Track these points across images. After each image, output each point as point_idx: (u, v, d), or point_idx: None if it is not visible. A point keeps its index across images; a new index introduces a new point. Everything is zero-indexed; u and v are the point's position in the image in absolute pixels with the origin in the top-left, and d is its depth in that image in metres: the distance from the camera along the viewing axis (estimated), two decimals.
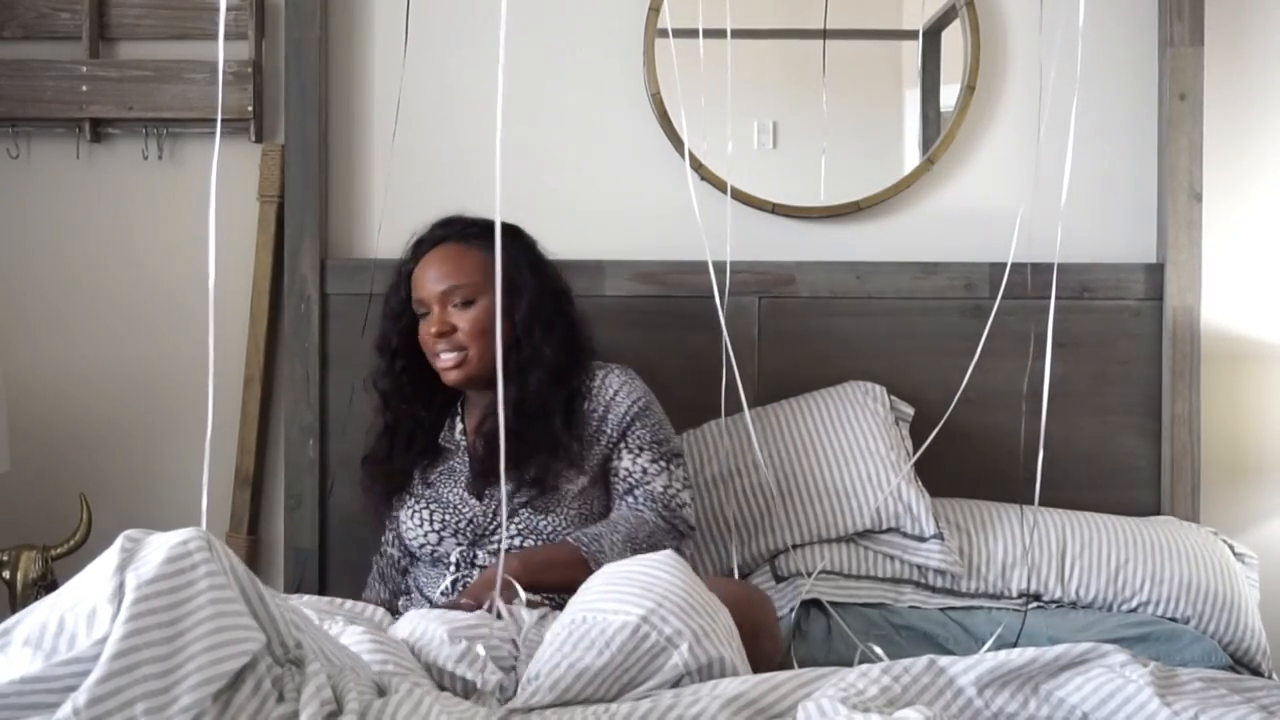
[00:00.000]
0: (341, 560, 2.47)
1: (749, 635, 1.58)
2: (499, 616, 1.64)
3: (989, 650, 1.59)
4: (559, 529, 1.97)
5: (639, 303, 2.48)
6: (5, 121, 2.56)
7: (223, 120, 2.40)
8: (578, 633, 1.45)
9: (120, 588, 1.09)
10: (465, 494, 2.03)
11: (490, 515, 2.00)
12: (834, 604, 2.13)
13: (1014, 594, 2.19)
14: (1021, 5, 2.55)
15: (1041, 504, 1.96)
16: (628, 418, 2.03)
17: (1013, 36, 2.56)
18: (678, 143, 2.51)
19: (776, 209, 2.54)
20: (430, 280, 2.04)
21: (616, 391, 2.04)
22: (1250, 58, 2.56)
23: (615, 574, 1.55)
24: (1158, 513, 2.45)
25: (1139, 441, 2.48)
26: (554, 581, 1.84)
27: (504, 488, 1.72)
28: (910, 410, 2.38)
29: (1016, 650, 1.45)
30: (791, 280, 2.49)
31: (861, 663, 1.56)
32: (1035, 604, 2.18)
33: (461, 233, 2.07)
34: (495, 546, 1.98)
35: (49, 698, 1.05)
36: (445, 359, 2.03)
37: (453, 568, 2.00)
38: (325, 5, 2.53)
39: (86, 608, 1.09)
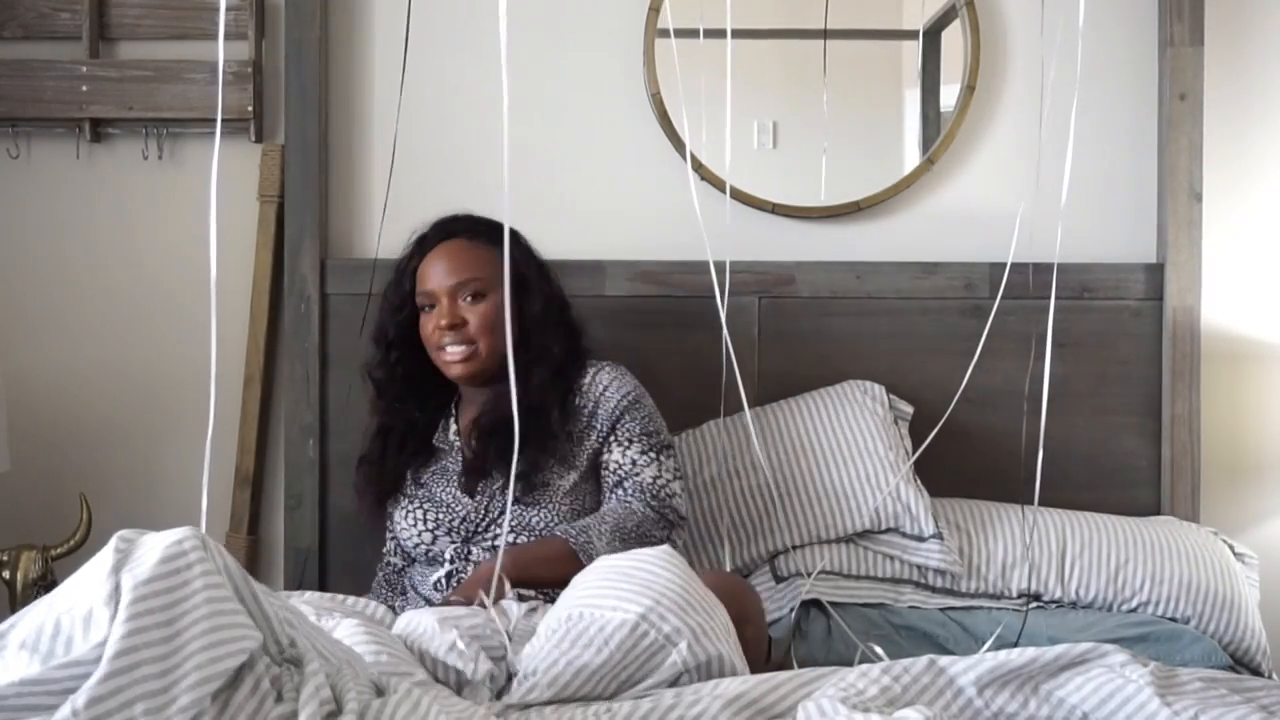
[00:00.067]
0: (341, 560, 2.47)
1: (734, 623, 1.58)
2: (486, 606, 1.64)
3: (989, 650, 1.59)
4: (551, 524, 1.97)
5: (639, 303, 2.48)
6: (5, 121, 2.56)
7: (223, 120, 2.40)
8: (575, 629, 1.45)
9: (116, 589, 1.09)
10: (458, 492, 2.04)
11: (483, 512, 2.01)
12: (834, 604, 2.12)
13: (1014, 594, 2.19)
14: (1021, 5, 2.55)
15: (1041, 504, 1.96)
16: (617, 411, 2.04)
17: (1013, 36, 2.56)
18: (678, 143, 2.51)
19: (776, 209, 2.53)
20: (440, 273, 2.05)
21: (606, 387, 2.05)
22: (1250, 58, 2.56)
23: (612, 569, 1.55)
24: (1158, 513, 2.45)
25: (1139, 441, 2.48)
26: (544, 576, 1.84)
27: (510, 488, 1.73)
28: (909, 409, 2.38)
29: (1016, 650, 1.45)
30: (791, 280, 2.49)
31: (861, 663, 1.56)
32: (1035, 604, 2.18)
33: (470, 229, 2.09)
34: (489, 543, 1.99)
35: (48, 699, 1.05)
36: (452, 352, 2.03)
37: (447, 564, 2.00)
38: (325, 5, 2.53)
39: (83, 610, 1.09)
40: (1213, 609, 2.17)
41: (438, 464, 2.10)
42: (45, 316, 2.60)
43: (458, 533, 2.01)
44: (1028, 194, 2.31)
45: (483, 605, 1.67)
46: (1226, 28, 2.54)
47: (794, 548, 2.23)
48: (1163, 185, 2.50)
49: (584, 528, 1.91)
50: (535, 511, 1.98)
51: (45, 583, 2.32)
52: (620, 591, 1.48)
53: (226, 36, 2.50)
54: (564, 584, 1.63)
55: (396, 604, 2.08)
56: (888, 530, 2.23)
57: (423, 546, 2.04)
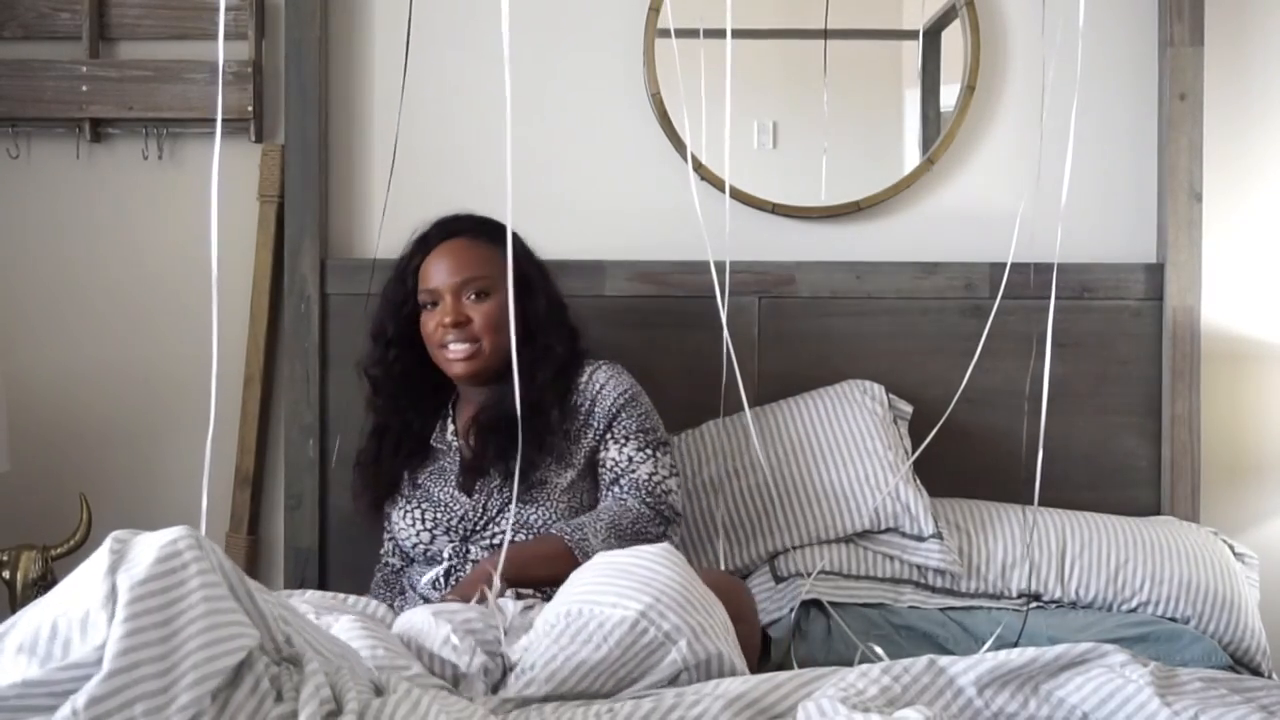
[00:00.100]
0: (341, 560, 2.47)
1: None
2: (482, 600, 1.65)
3: (989, 650, 1.59)
4: (549, 522, 1.97)
5: (639, 303, 2.48)
6: (5, 121, 2.56)
7: (223, 120, 2.40)
8: (575, 625, 1.45)
9: (113, 590, 1.08)
10: (456, 491, 2.04)
11: (481, 510, 2.01)
12: (834, 604, 2.12)
13: (1014, 594, 2.19)
14: (1021, 5, 2.55)
15: (1041, 504, 1.96)
16: (614, 409, 2.04)
17: (1013, 36, 2.56)
18: (678, 143, 2.51)
19: (776, 209, 2.53)
20: (445, 271, 2.05)
21: (603, 385, 2.06)
22: (1250, 58, 2.56)
23: (612, 566, 1.55)
24: (1158, 513, 2.45)
25: (1139, 441, 2.48)
26: (541, 575, 1.84)
27: (515, 484, 1.74)
28: (909, 408, 2.38)
29: (1016, 650, 1.45)
30: (791, 280, 2.49)
31: (861, 663, 1.56)
32: (1035, 604, 2.18)
33: (474, 228, 2.09)
34: (487, 542, 1.99)
35: (49, 700, 1.05)
36: (456, 350, 2.04)
37: (445, 563, 2.00)
38: (325, 5, 2.53)
39: (79, 612, 1.08)
40: (1213, 609, 2.17)
41: (435, 464, 2.10)
42: (45, 317, 2.60)
43: (456, 531, 2.02)
44: (1028, 194, 2.31)
45: (481, 601, 1.67)
46: (1226, 28, 2.54)
47: (794, 548, 2.23)
48: (1163, 185, 2.50)
49: (579, 525, 1.91)
50: (533, 509, 1.98)
51: (45, 583, 2.31)
52: (620, 588, 1.48)
53: (226, 36, 2.50)
54: (560, 583, 1.63)
55: (395, 604, 2.08)
56: (887, 530, 2.23)
57: (421, 546, 2.04)
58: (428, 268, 2.07)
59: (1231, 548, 2.32)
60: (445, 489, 2.05)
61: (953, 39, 2.56)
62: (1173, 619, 2.17)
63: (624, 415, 2.04)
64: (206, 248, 1.30)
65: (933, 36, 2.57)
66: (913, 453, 2.25)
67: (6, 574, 2.33)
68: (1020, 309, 2.31)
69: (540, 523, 1.98)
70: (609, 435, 2.04)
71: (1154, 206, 2.53)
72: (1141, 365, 2.49)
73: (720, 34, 2.21)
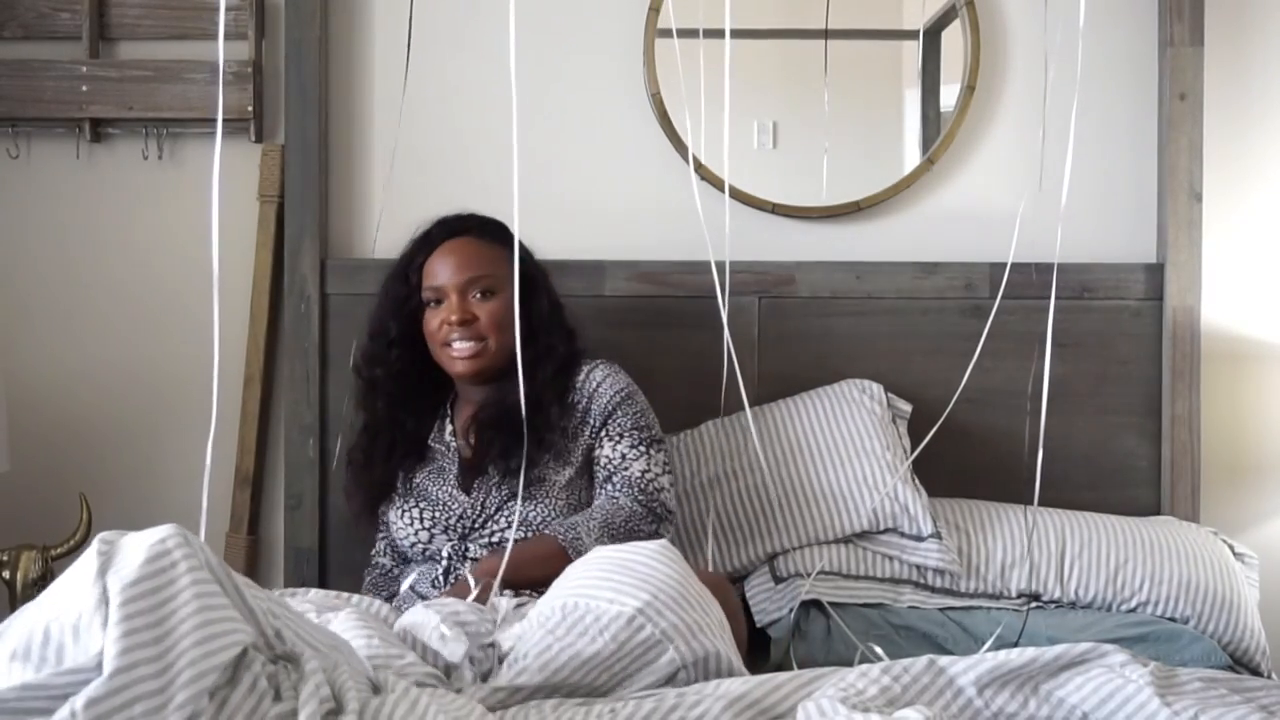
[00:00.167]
0: (341, 560, 2.47)
1: None
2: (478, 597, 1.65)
3: (989, 650, 1.59)
4: (548, 519, 1.98)
5: (639, 303, 2.48)
6: (5, 121, 2.56)
7: (223, 120, 2.40)
8: (571, 617, 1.45)
9: (104, 593, 1.08)
10: (454, 490, 2.04)
11: (479, 509, 2.01)
12: (833, 604, 2.12)
13: (1013, 594, 2.19)
14: (1021, 5, 2.55)
15: (1041, 504, 1.96)
16: (610, 406, 2.05)
17: (1013, 36, 2.56)
18: (678, 143, 2.51)
19: (776, 209, 2.53)
20: (450, 269, 2.05)
21: (600, 383, 2.06)
22: (1250, 58, 2.56)
23: (609, 561, 1.54)
24: (1158, 513, 2.45)
25: (1139, 441, 2.48)
26: (535, 575, 1.84)
27: (521, 481, 1.74)
28: (908, 407, 2.38)
29: (1016, 650, 1.45)
30: (791, 280, 2.49)
31: (861, 663, 1.56)
32: (1035, 604, 2.18)
33: (478, 227, 2.10)
34: (486, 540, 1.99)
35: (49, 704, 1.05)
36: (460, 348, 2.04)
37: (444, 563, 2.00)
38: (325, 5, 2.53)
39: (72, 617, 1.08)
40: (1212, 609, 2.17)
41: (433, 464, 2.10)
42: (45, 316, 2.60)
43: (454, 530, 2.02)
44: (1028, 194, 2.31)
45: (480, 599, 1.67)
46: (1226, 28, 2.54)
47: (793, 548, 2.23)
48: (1163, 185, 2.50)
49: (573, 525, 1.92)
50: (532, 507, 1.99)
51: (45, 583, 2.31)
52: (617, 584, 1.48)
53: (226, 36, 2.50)
54: (552, 582, 1.63)
55: (393, 604, 2.08)
56: (886, 530, 2.23)
57: (419, 545, 2.04)
58: (432, 265, 2.08)
59: (1231, 548, 2.32)
60: (443, 488, 2.06)
61: (953, 39, 2.56)
62: (1172, 619, 2.17)
63: (619, 413, 2.05)
64: (207, 248, 1.30)
65: (933, 36, 2.57)
66: (912, 453, 2.25)
67: (6, 574, 2.33)
68: (1020, 309, 2.31)
69: (539, 520, 1.98)
70: (604, 433, 2.04)
71: (1154, 206, 2.53)
72: (1141, 365, 2.49)
73: (720, 34, 2.20)
